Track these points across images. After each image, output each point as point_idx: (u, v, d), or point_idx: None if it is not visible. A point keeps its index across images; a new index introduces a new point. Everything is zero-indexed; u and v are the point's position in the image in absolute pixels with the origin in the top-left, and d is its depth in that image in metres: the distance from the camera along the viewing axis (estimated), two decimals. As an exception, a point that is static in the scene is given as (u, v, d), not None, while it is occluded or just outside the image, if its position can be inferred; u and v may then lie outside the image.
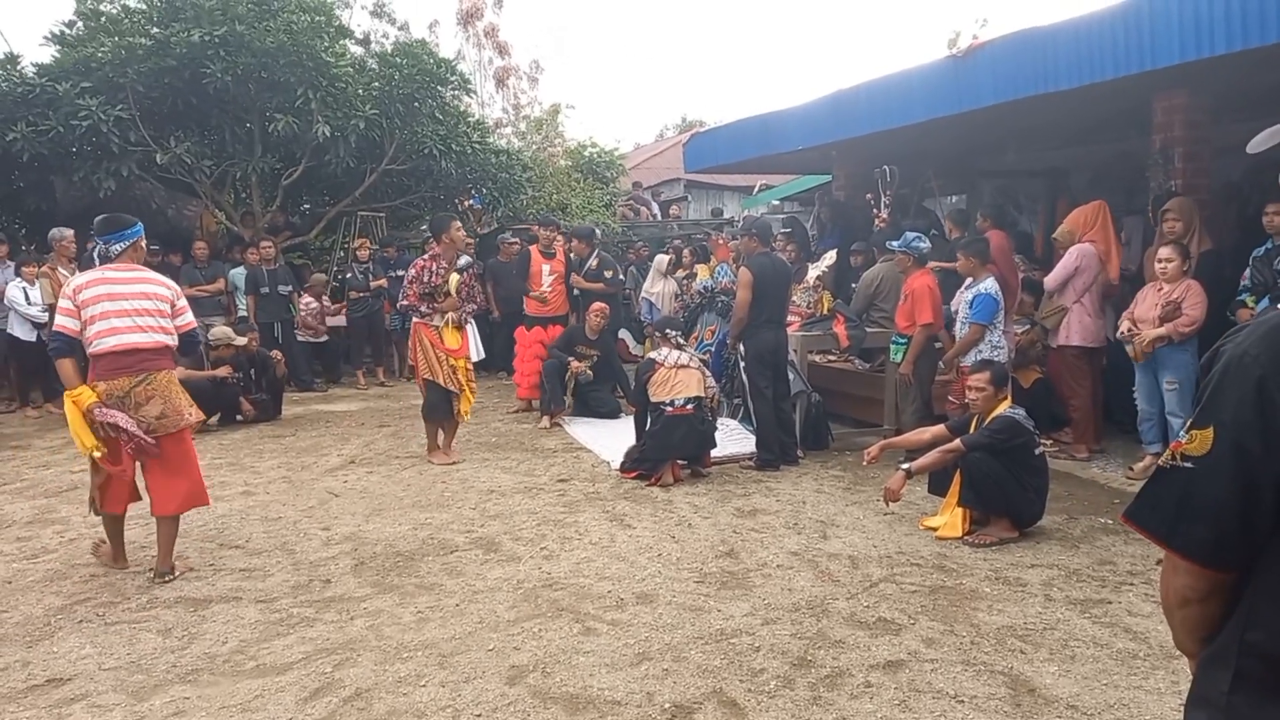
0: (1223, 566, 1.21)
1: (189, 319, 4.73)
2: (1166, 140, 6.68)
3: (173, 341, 4.59)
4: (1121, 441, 6.87)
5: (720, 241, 11.11)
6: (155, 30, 10.49)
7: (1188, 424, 1.23)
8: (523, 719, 3.07)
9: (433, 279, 6.71)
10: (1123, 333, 5.98)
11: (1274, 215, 5.62)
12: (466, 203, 13.21)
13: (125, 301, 4.45)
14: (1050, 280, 6.67)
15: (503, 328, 10.60)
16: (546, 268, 9.13)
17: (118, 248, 4.56)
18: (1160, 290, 5.86)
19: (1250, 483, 1.14)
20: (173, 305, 4.61)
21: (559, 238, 9.50)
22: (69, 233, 8.88)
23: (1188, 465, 1.21)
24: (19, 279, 9.15)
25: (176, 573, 4.53)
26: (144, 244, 4.77)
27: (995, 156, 10.04)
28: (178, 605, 4.15)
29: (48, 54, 11.10)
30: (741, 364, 6.82)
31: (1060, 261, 6.64)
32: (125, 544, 4.72)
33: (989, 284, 6.29)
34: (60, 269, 8.70)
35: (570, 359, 8.49)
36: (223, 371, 8.41)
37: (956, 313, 6.65)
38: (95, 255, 4.65)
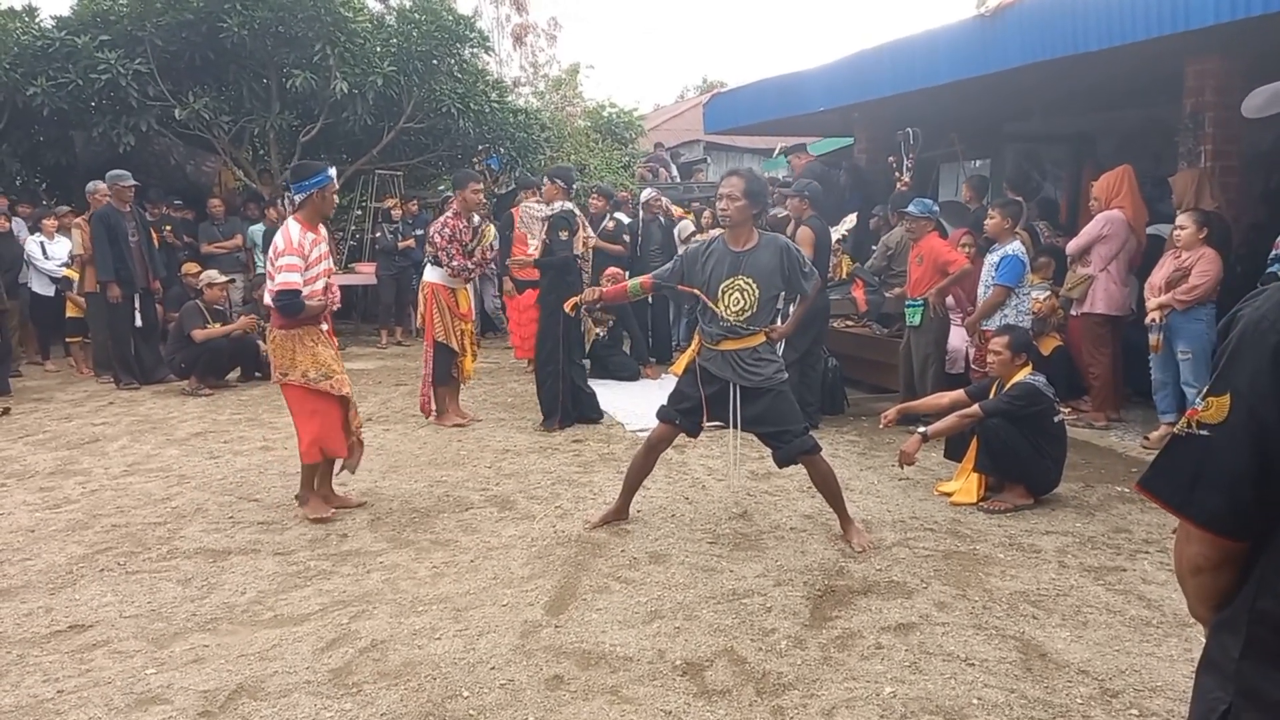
0: (1236, 535, 1.19)
1: (278, 280, 4.46)
2: (1197, 105, 6.54)
3: (270, 301, 4.62)
4: (1140, 411, 6.81)
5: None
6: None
7: (1204, 390, 1.20)
8: (536, 672, 3.10)
9: (463, 235, 6.70)
10: (1151, 319, 5.92)
11: None
12: (482, 162, 13.12)
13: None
14: (1072, 245, 6.57)
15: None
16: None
17: (298, 199, 4.56)
18: (1177, 258, 5.79)
19: (1266, 451, 1.12)
20: (273, 263, 4.53)
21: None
22: (103, 185, 8.76)
23: (1204, 433, 1.18)
24: (39, 234, 9.19)
25: (305, 509, 4.71)
26: (331, 193, 4.58)
27: (1021, 121, 9.87)
28: (197, 556, 4.21)
29: (65, 5, 11.08)
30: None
31: (1084, 227, 6.54)
32: (329, 491, 4.89)
33: (1016, 246, 6.16)
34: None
35: (588, 319, 8.48)
36: (244, 323, 8.47)
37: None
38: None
